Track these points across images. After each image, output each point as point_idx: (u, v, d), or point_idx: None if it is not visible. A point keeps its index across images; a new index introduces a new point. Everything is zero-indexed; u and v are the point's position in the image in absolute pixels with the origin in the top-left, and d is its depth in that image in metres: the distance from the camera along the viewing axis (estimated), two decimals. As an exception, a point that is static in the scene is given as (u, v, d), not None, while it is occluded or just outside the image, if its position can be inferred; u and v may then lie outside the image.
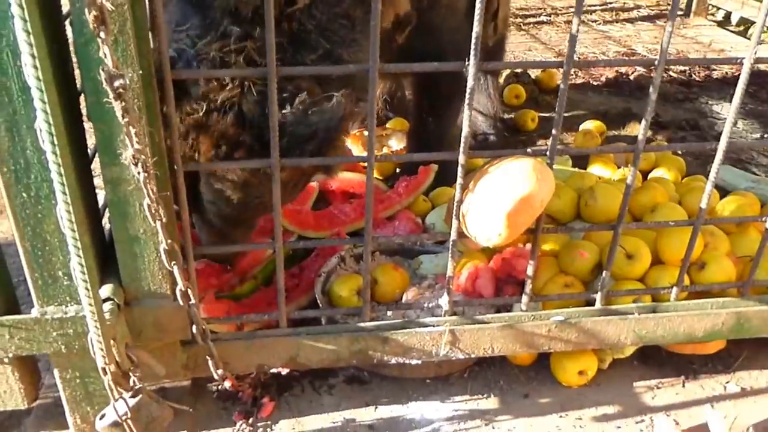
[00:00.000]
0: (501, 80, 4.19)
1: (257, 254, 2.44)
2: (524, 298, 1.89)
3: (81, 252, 1.38)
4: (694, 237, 1.89)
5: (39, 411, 1.94)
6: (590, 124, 3.68)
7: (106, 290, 1.60)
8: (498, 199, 1.63)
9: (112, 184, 1.51)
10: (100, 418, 1.64)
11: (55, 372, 1.74)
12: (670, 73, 4.88)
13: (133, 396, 1.62)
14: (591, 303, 1.98)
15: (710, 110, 4.32)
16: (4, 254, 1.70)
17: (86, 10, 1.18)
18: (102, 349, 1.51)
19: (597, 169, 3.14)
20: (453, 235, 1.75)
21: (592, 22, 6.28)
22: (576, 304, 2.02)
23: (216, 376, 1.80)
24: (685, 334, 2.00)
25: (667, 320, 1.96)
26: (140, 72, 1.38)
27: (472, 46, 1.51)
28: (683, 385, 2.15)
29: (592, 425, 2.00)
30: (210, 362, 1.76)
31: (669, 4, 6.40)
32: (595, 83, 4.66)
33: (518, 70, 4.50)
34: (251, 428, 1.95)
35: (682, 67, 4.96)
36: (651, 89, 1.65)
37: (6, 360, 1.70)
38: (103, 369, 1.55)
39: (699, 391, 2.13)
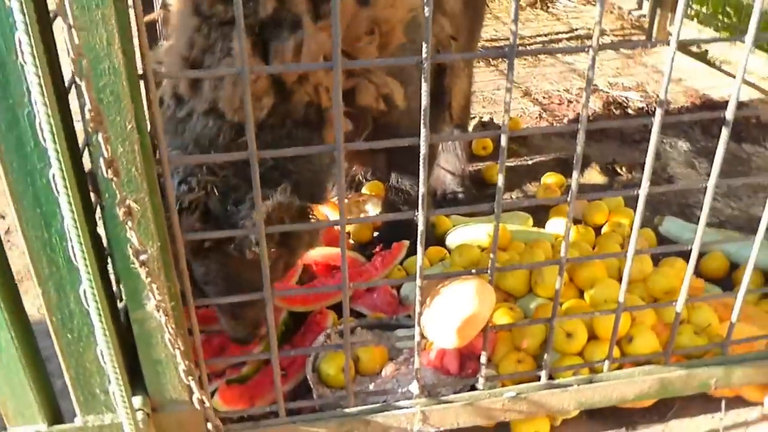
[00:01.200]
0: (470, 129, 4.43)
1: None
2: (481, 380, 2.26)
3: (119, 379, 1.76)
4: (617, 320, 2.25)
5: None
6: (550, 178, 3.96)
7: (136, 402, 1.97)
8: (448, 317, 2.02)
9: (138, 323, 1.88)
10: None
11: (97, 471, 2.12)
12: (629, 110, 5.10)
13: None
14: (539, 377, 2.32)
15: (664, 150, 4.48)
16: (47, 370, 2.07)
17: (117, 207, 1.56)
18: (138, 454, 1.90)
19: (556, 224, 3.47)
20: (416, 337, 2.12)
21: (559, 53, 6.45)
22: (527, 378, 2.38)
23: (228, 462, 2.17)
24: (618, 398, 2.36)
25: (602, 389, 2.31)
26: (159, 244, 1.75)
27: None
28: (624, 436, 2.48)
29: (545, 478, 2.34)
30: (222, 451, 2.14)
31: (632, 26, 6.74)
32: (558, 125, 4.92)
33: (485, 120, 4.78)
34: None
35: (639, 104, 5.16)
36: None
37: (56, 462, 2.08)
38: (138, 469, 1.94)
39: (638, 440, 2.46)
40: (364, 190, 3.85)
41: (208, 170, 2.19)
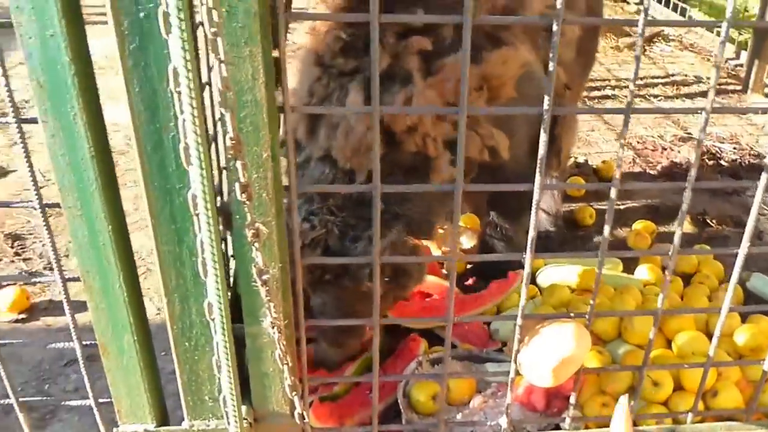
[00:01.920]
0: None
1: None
2: (567, 420, 2.32)
3: (232, 388, 1.86)
4: (705, 374, 2.29)
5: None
6: (640, 224, 4.02)
7: (242, 411, 2.08)
8: (547, 357, 2.09)
9: (252, 338, 1.99)
10: None
11: (198, 470, 2.24)
12: (722, 162, 5.11)
13: (259, 494, 2.11)
14: (623, 423, 2.38)
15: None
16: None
17: (246, 229, 1.68)
18: (241, 461, 2.00)
19: (643, 271, 3.51)
20: (512, 374, 2.19)
21: (653, 97, 6.45)
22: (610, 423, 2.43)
23: (320, 476, 2.27)
24: (699, 450, 2.41)
25: (684, 440, 2.38)
26: (280, 265, 1.86)
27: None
28: (698, 490, 2.51)
29: None
30: (316, 465, 2.24)
31: (728, 75, 6.72)
32: (651, 172, 4.96)
33: (580, 161, 4.87)
34: None
35: (732, 156, 5.17)
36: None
37: (162, 460, 2.20)
38: (239, 474, 2.04)
39: (711, 497, 2.49)
40: (459, 223, 3.89)
41: (328, 211, 2.33)
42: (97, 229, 1.76)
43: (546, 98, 1.75)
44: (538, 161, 1.81)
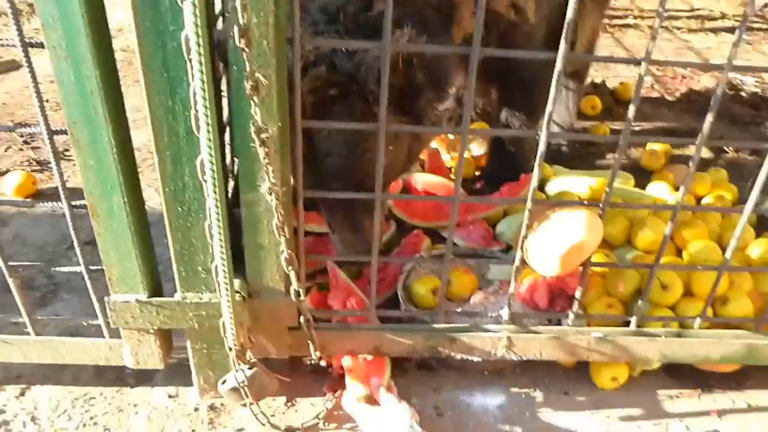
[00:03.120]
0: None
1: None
2: (571, 316, 2.25)
3: (224, 258, 1.79)
4: (718, 278, 2.22)
5: (167, 370, 2.37)
6: (656, 145, 3.92)
7: (235, 284, 2.01)
8: (555, 243, 2.01)
9: (248, 206, 1.91)
10: (222, 383, 2.07)
11: (188, 343, 2.17)
12: (742, 93, 5.02)
13: (249, 368, 2.04)
14: (627, 323, 2.31)
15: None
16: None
17: (245, 80, 1.59)
18: (233, 332, 1.93)
19: (657, 187, 3.44)
20: (516, 263, 2.11)
21: (677, 29, 6.40)
22: (614, 323, 2.37)
23: (314, 357, 2.19)
24: (704, 357, 2.34)
25: (689, 344, 2.30)
26: (279, 125, 1.76)
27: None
28: (699, 397, 2.46)
29: (617, 423, 2.34)
30: (311, 346, 2.16)
31: (756, 15, 6.60)
32: (669, 98, 4.89)
33: (597, 81, 4.78)
34: (338, 399, 2.33)
35: (753, 88, 5.09)
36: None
37: (151, 331, 2.13)
38: (230, 347, 1.98)
39: (711, 404, 2.44)
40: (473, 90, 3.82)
41: (337, 33, 2.19)
42: (84, 74, 1.66)
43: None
44: (565, 24, 1.70)
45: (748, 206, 2.07)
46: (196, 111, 1.55)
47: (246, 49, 1.54)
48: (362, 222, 2.47)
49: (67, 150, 3.59)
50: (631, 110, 1.86)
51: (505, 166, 3.39)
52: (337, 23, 2.21)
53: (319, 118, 2.13)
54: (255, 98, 1.61)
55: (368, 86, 2.11)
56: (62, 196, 1.93)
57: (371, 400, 2.30)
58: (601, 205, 2.04)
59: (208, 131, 1.57)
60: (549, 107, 1.84)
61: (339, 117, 2.19)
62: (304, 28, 2.16)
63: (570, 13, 1.68)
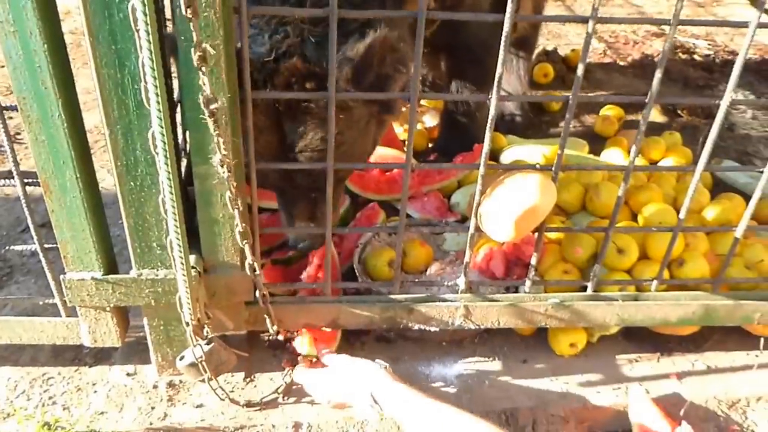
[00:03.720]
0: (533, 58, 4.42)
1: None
2: (527, 283, 2.26)
3: (178, 232, 1.77)
4: (673, 240, 2.23)
5: (125, 348, 2.37)
6: (609, 111, 3.94)
7: (191, 260, 1.99)
8: (509, 207, 2.00)
9: (200, 179, 1.89)
10: (180, 359, 2.05)
11: (144, 320, 2.16)
12: (695, 56, 5.06)
13: (207, 344, 2.03)
14: (584, 288, 2.32)
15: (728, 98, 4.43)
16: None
17: (192, 51, 1.56)
18: (189, 307, 1.92)
19: (612, 153, 3.46)
20: (471, 230, 2.11)
21: None
22: (571, 288, 2.38)
23: (271, 331, 2.19)
24: (661, 319, 2.35)
25: (646, 308, 2.31)
26: (229, 96, 1.74)
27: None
28: (658, 361, 2.49)
29: (576, 389, 2.36)
30: (267, 320, 2.15)
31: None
32: (621, 63, 4.91)
33: (548, 49, 4.78)
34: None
35: (707, 51, 5.12)
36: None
37: (108, 309, 2.11)
38: (187, 323, 1.96)
39: (670, 367, 2.47)
40: (422, 102, 3.84)
41: (302, 21, 2.14)
42: (32, 48, 1.63)
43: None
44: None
45: (699, 165, 2.07)
46: (146, 83, 1.53)
47: (192, 19, 1.51)
48: (320, 213, 2.44)
49: (18, 134, 3.55)
50: (580, 69, 1.86)
51: (457, 137, 3.39)
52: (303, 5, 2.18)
53: (295, 113, 2.15)
54: (203, 69, 1.59)
55: (341, 84, 2.08)
56: (15, 175, 1.90)
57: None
58: (553, 168, 2.05)
59: (158, 103, 1.55)
60: (498, 69, 1.83)
61: (316, 113, 2.17)
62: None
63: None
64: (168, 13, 1.92)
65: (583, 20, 1.84)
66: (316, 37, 2.10)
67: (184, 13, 1.50)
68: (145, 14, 1.44)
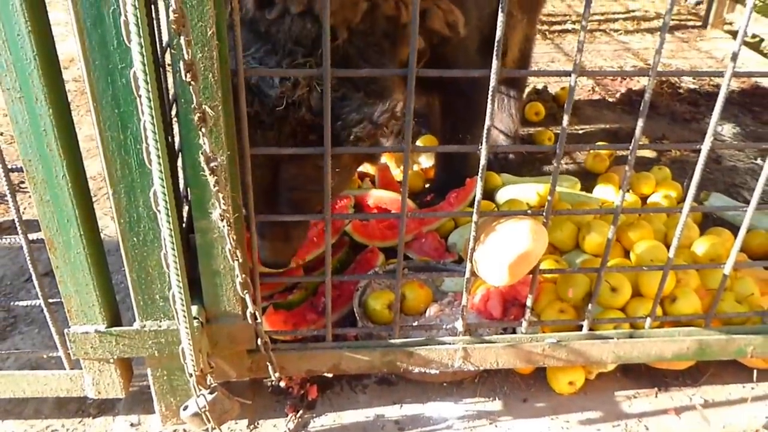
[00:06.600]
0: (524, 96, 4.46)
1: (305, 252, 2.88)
2: (524, 323, 2.30)
3: (180, 286, 1.80)
4: (664, 277, 2.27)
5: (129, 398, 2.39)
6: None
7: (193, 310, 2.03)
8: (502, 253, 2.05)
9: (201, 232, 1.94)
10: (184, 409, 2.07)
11: (148, 371, 2.19)
12: (680, 90, 5.12)
13: (210, 393, 2.06)
14: (580, 327, 2.36)
15: (715, 132, 4.47)
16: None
17: (192, 112, 1.61)
18: (192, 358, 1.95)
19: (602, 190, 3.52)
20: (467, 274, 2.16)
21: (614, 31, 6.51)
22: (567, 327, 2.42)
23: (273, 378, 2.22)
24: (656, 355, 2.39)
25: (641, 344, 2.35)
26: (228, 153, 1.79)
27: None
28: (656, 396, 2.52)
29: (576, 427, 2.39)
30: (269, 367, 2.19)
31: (688, 12, 6.75)
32: (610, 100, 4.96)
33: (539, 87, 4.85)
34: (300, 419, 2.36)
35: (692, 86, 5.19)
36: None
37: (111, 360, 2.14)
38: (190, 373, 1.99)
39: (668, 402, 2.50)
40: (418, 143, 3.89)
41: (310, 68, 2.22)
42: (37, 113, 1.68)
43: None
44: (496, 42, 1.75)
45: (686, 204, 2.12)
46: (147, 145, 1.57)
47: (192, 83, 1.56)
48: (293, 233, 2.55)
49: (23, 182, 3.58)
50: (565, 120, 1.95)
51: (452, 176, 3.44)
52: (314, 56, 2.24)
53: (298, 160, 2.29)
54: (203, 129, 1.64)
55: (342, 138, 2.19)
56: (19, 230, 1.94)
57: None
58: (544, 213, 2.09)
59: (160, 164, 1.59)
60: (487, 122, 1.89)
61: (315, 159, 2.28)
62: (247, 61, 2.20)
63: (499, 32, 1.73)
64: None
65: (566, 74, 1.88)
66: (321, 88, 2.19)
67: (184, 78, 1.55)
68: (146, 81, 1.49)
